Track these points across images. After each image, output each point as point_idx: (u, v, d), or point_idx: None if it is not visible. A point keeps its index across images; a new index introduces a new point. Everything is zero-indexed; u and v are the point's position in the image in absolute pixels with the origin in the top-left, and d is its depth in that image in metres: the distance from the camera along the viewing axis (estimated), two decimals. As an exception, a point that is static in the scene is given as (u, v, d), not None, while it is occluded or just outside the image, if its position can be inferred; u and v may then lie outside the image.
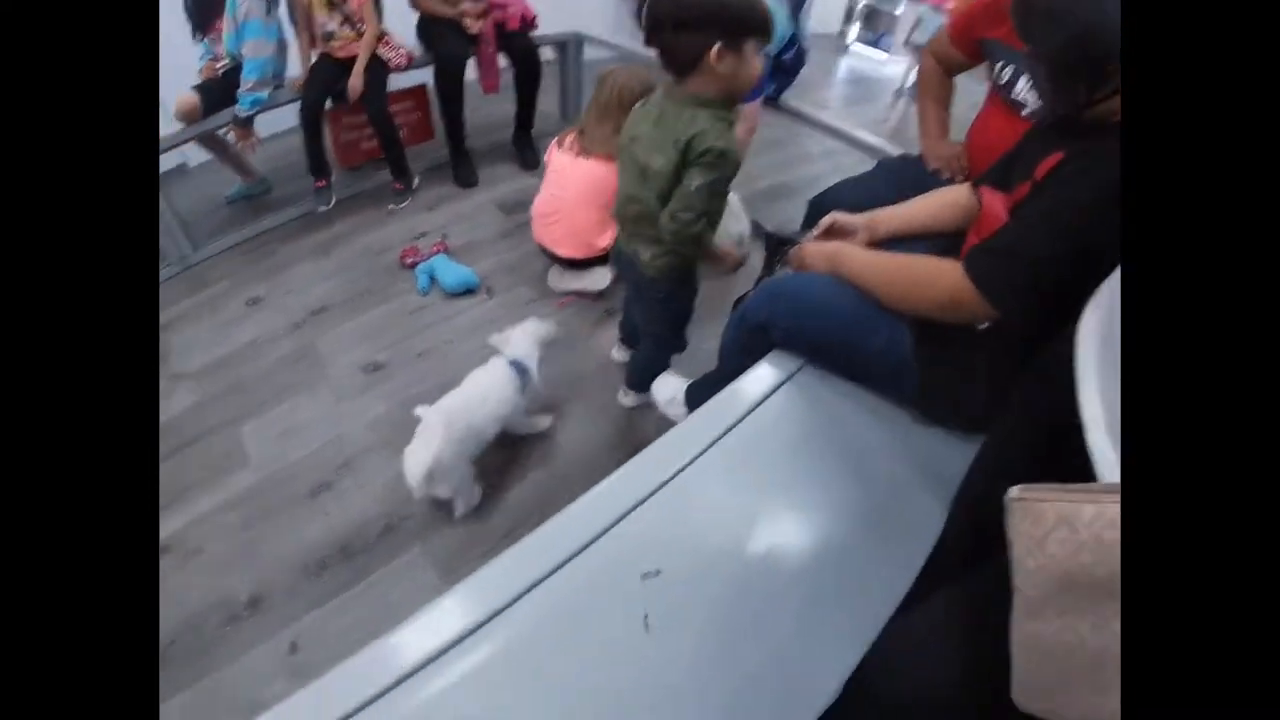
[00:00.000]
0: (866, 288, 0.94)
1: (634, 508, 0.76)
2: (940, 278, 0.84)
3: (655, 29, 1.06)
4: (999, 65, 1.37)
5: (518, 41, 2.60)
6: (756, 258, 1.39)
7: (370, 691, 0.61)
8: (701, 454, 0.83)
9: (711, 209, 1.14)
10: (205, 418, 1.88)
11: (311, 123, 2.42)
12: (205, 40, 2.45)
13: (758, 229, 1.87)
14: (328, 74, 2.41)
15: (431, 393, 1.77)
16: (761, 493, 0.81)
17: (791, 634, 0.66)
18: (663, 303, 1.43)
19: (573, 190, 1.87)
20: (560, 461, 1.62)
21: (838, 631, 0.66)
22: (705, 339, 1.67)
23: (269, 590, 1.46)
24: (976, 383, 0.89)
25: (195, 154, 2.92)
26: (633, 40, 3.59)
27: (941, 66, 1.57)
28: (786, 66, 2.92)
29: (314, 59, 2.45)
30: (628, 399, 1.73)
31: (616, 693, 0.62)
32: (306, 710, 0.60)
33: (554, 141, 1.93)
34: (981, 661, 0.50)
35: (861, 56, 5.16)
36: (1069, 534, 0.36)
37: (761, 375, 0.99)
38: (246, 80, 2.29)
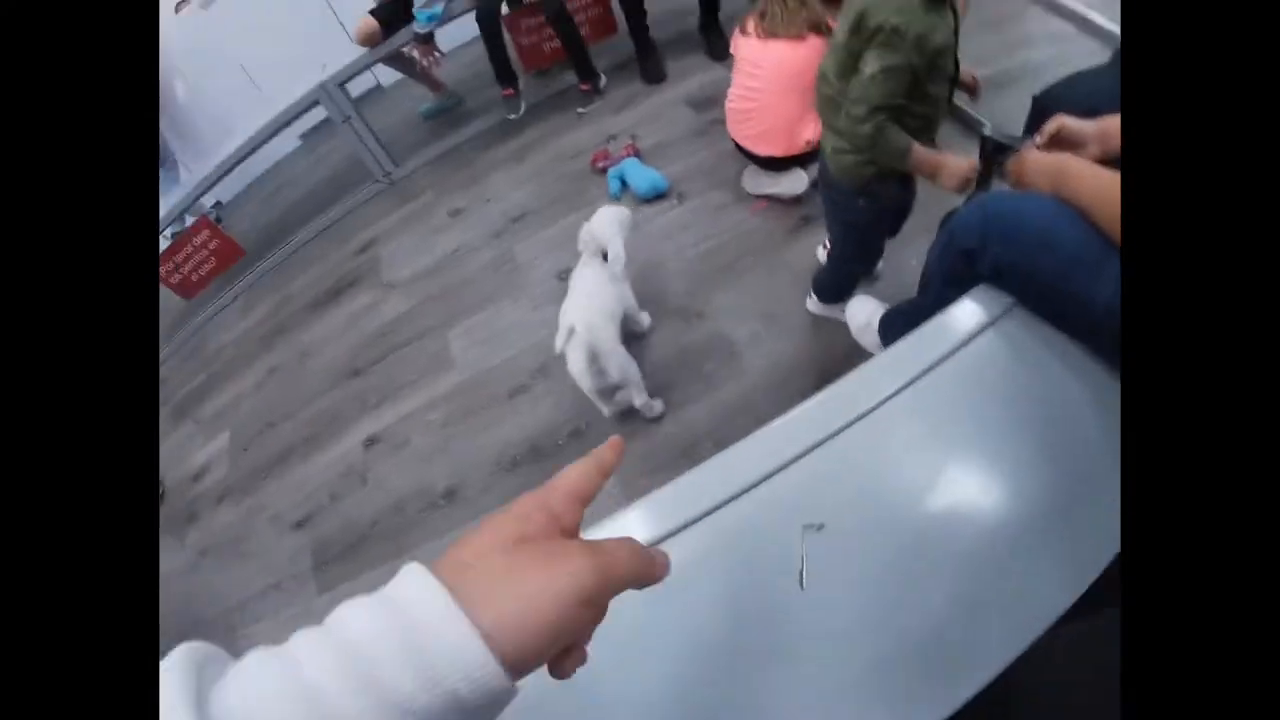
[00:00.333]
0: (1095, 218, 0.74)
1: (807, 451, 0.73)
2: None
3: None
4: None
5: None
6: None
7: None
8: (886, 400, 0.77)
9: (888, 103, 1.00)
10: (416, 322, 2.06)
11: (491, 29, 2.41)
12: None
13: (978, 131, 1.56)
14: (500, -24, 2.36)
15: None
16: (943, 453, 0.74)
17: (948, 617, 0.62)
18: (842, 209, 1.26)
19: (766, 80, 1.68)
20: (746, 380, 1.55)
21: (1001, 622, 0.61)
22: (910, 256, 1.48)
23: (464, 483, 1.59)
24: None
25: (386, 74, 3.10)
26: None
27: None
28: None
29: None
30: (811, 303, 1.60)
31: (758, 643, 0.62)
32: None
33: (736, 29, 1.74)
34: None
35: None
36: None
37: (962, 314, 0.85)
38: None
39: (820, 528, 0.67)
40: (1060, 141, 0.91)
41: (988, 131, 1.04)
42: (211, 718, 0.21)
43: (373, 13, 2.44)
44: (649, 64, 2.56)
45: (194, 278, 2.52)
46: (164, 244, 2.47)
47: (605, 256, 1.49)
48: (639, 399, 1.47)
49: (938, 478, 0.72)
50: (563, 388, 1.64)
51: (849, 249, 1.40)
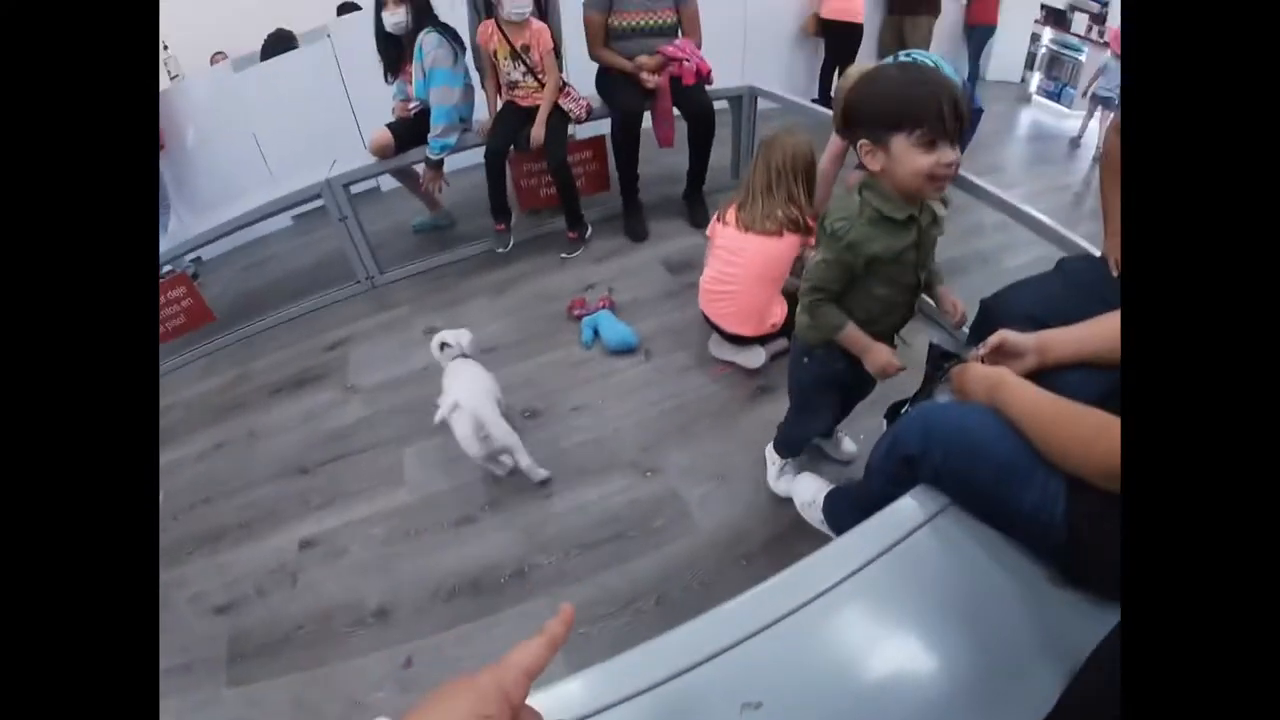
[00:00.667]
0: (1024, 431, 0.83)
1: (753, 635, 0.77)
2: (1102, 437, 0.72)
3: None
4: None
5: (693, 95, 2.59)
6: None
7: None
8: (830, 589, 0.83)
9: (826, 287, 1.13)
10: (374, 431, 2.04)
11: (496, 169, 2.57)
12: (398, 81, 2.69)
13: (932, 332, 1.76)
14: (512, 121, 2.55)
15: (578, 448, 1.84)
16: (876, 637, 0.80)
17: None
18: (793, 363, 1.38)
19: (743, 268, 1.81)
20: (694, 539, 1.58)
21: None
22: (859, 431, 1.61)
23: (398, 604, 1.54)
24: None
25: (387, 179, 3.24)
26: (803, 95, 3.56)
27: None
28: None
29: (500, 105, 2.61)
30: (772, 480, 1.65)
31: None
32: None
33: (715, 216, 1.89)
34: None
35: (1044, 108, 5.05)
36: None
37: (903, 510, 0.93)
38: (435, 126, 2.47)
39: (758, 706, 0.68)
40: (1002, 353, 1.00)
41: (934, 339, 1.17)
42: None
43: (390, 126, 2.59)
44: (634, 222, 2.76)
45: (161, 330, 2.46)
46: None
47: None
48: (524, 460, 1.65)
49: (872, 660, 0.76)
50: (511, 526, 1.65)
51: (794, 402, 1.49)
